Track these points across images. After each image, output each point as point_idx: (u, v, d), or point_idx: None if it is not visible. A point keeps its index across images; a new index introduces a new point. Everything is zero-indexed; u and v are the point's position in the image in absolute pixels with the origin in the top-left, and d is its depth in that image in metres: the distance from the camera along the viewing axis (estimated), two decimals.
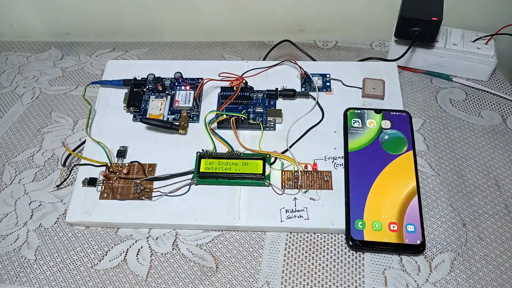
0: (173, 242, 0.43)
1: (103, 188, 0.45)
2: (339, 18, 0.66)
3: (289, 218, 0.42)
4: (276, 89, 0.50)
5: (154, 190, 0.44)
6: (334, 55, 0.61)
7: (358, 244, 0.40)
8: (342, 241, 0.42)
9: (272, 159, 0.45)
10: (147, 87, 0.52)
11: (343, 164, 0.45)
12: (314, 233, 0.42)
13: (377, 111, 0.48)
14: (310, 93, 0.50)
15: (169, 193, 0.44)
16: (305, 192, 0.43)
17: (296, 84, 0.52)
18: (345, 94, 0.51)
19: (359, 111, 0.48)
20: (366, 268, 0.40)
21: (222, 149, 0.46)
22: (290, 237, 0.42)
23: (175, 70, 0.52)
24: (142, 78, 0.52)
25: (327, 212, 0.42)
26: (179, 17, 0.67)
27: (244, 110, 0.49)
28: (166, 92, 0.51)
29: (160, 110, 0.50)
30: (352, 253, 0.41)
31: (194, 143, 0.47)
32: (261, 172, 0.43)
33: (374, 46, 0.62)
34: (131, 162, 0.46)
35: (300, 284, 0.39)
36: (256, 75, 0.53)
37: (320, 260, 0.41)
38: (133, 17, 0.68)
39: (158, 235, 0.43)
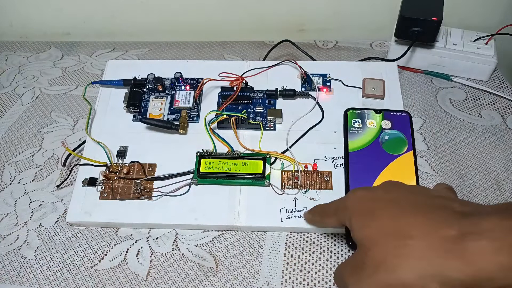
0: (173, 242, 0.43)
1: (103, 188, 0.45)
2: (339, 18, 0.66)
3: (289, 218, 0.42)
4: (276, 89, 0.50)
5: (154, 190, 0.44)
6: (334, 55, 0.61)
7: None
8: (342, 241, 0.42)
9: (272, 159, 0.45)
10: (147, 87, 0.52)
11: (343, 164, 0.45)
12: (314, 233, 0.42)
13: (377, 111, 0.48)
14: (310, 93, 0.50)
15: (169, 193, 0.44)
16: (305, 192, 0.43)
17: (296, 84, 0.52)
18: (345, 94, 0.51)
19: (359, 111, 0.48)
20: None
21: (222, 149, 0.46)
22: (290, 237, 0.42)
23: (175, 70, 0.52)
24: (142, 78, 0.52)
25: None
26: (179, 17, 0.67)
27: (244, 110, 0.49)
28: (166, 92, 0.51)
29: (160, 110, 0.50)
30: (352, 253, 0.41)
31: (194, 143, 0.47)
32: (261, 172, 0.43)
33: (374, 46, 0.62)
34: (131, 162, 0.46)
35: (300, 284, 0.39)
36: (256, 75, 0.53)
37: (320, 260, 0.41)
38: (133, 17, 0.68)
39: (158, 235, 0.43)
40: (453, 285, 0.25)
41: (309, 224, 0.41)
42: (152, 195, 0.44)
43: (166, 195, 0.44)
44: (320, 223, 0.40)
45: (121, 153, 0.47)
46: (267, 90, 0.51)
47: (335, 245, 0.42)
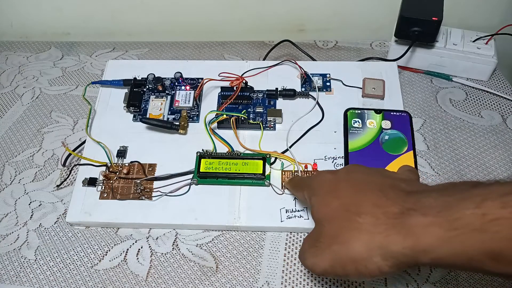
0: (173, 242, 0.43)
1: (103, 188, 0.45)
2: (339, 18, 0.66)
3: (289, 218, 0.42)
4: (276, 89, 0.50)
5: (154, 190, 0.44)
6: (334, 55, 0.61)
7: None
8: None
9: (272, 159, 0.45)
10: (147, 87, 0.52)
11: (343, 164, 0.45)
12: None
13: (377, 111, 0.48)
14: (310, 93, 0.50)
15: (169, 193, 0.44)
16: None
17: (296, 84, 0.52)
18: (345, 94, 0.51)
19: (359, 111, 0.48)
20: None
21: (222, 149, 0.46)
22: (290, 237, 0.42)
23: (175, 70, 0.52)
24: (142, 78, 0.52)
25: None
26: (179, 17, 0.67)
27: (244, 110, 0.49)
28: (166, 92, 0.51)
29: (160, 110, 0.50)
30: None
31: (194, 143, 0.47)
32: (261, 172, 0.43)
33: (374, 46, 0.62)
34: (131, 162, 0.46)
35: (300, 284, 0.39)
36: (256, 75, 0.53)
37: None
38: (133, 17, 0.68)
39: (158, 235, 0.43)
40: (394, 257, 0.27)
41: (288, 191, 0.43)
42: (152, 195, 0.44)
43: (166, 195, 0.44)
44: (294, 195, 0.43)
45: (121, 153, 0.47)
46: (267, 90, 0.51)
47: None
